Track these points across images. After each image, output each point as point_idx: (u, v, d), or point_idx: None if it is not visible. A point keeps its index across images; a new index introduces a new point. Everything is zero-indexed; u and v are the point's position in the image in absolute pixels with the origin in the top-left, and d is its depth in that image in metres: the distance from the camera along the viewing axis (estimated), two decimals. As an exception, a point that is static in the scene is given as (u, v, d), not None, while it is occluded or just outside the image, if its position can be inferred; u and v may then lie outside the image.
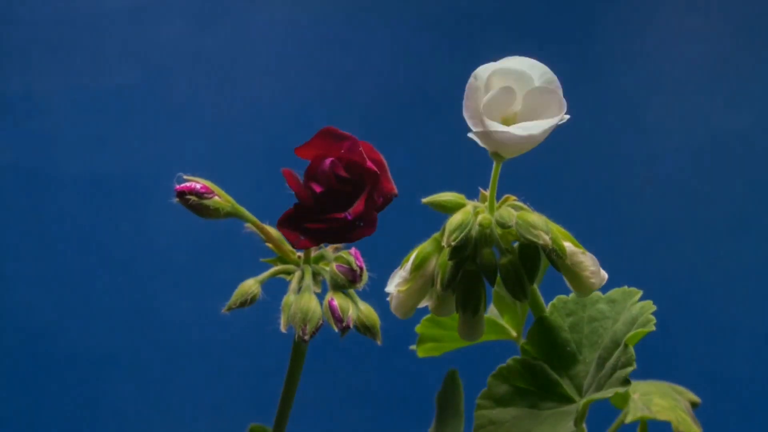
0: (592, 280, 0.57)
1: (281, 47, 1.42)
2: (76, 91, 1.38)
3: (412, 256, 0.59)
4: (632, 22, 1.44)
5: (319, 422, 1.31)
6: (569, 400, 0.57)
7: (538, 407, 0.57)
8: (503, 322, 0.67)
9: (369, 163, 0.59)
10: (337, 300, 0.58)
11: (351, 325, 0.58)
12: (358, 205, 0.58)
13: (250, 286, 0.59)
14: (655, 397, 0.63)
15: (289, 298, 0.59)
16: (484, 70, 0.56)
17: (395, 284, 0.59)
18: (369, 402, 1.36)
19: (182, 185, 0.60)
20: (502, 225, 0.55)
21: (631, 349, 0.55)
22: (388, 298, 0.60)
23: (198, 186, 0.61)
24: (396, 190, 0.58)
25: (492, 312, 0.68)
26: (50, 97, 1.37)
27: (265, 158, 1.32)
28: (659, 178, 1.39)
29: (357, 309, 0.59)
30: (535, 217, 0.55)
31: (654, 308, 0.57)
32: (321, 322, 0.58)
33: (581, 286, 0.58)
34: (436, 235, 0.59)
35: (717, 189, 1.39)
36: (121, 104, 1.38)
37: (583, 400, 0.55)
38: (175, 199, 0.61)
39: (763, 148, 1.40)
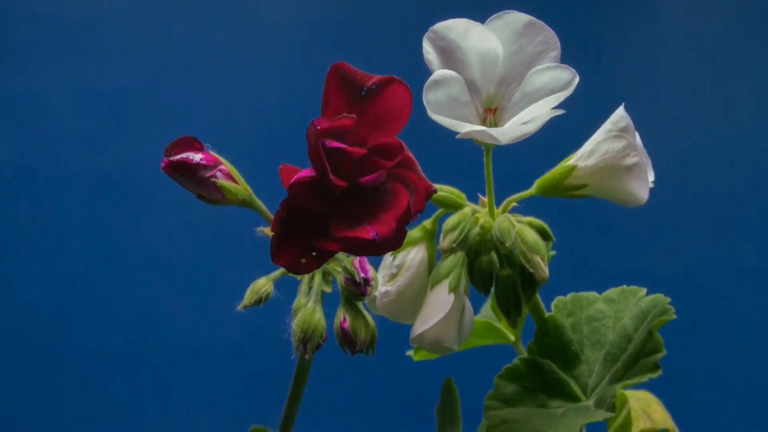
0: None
1: (281, 47, 1.42)
2: (76, 91, 1.38)
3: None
4: (632, 22, 1.44)
5: (319, 423, 1.31)
6: (576, 399, 0.57)
7: (547, 406, 0.57)
8: (501, 325, 0.67)
9: (403, 148, 0.49)
10: (349, 320, 0.55)
11: (364, 349, 0.55)
12: (388, 221, 0.48)
13: (263, 284, 0.56)
14: (653, 404, 0.63)
15: (300, 301, 0.56)
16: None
17: (381, 283, 0.57)
18: (369, 402, 1.36)
19: (173, 157, 0.54)
20: (500, 241, 0.53)
21: (659, 336, 0.55)
22: (377, 302, 0.57)
23: (198, 157, 0.55)
24: (433, 186, 0.51)
25: (489, 315, 0.68)
26: (50, 97, 1.37)
27: (266, 158, 1.32)
28: (657, 178, 1.39)
29: (367, 326, 0.55)
30: (535, 237, 0.53)
31: (668, 299, 0.57)
32: (322, 340, 0.55)
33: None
34: (426, 222, 0.58)
35: (716, 188, 1.39)
36: (121, 104, 1.38)
37: (619, 385, 0.55)
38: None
39: (762, 147, 1.40)
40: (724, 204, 1.38)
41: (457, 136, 0.52)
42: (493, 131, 0.51)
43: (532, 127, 0.50)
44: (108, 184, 1.37)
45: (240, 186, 0.56)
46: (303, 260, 0.48)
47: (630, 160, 0.55)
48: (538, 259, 0.53)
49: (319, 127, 0.48)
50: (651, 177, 0.56)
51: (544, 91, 0.52)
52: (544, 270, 0.53)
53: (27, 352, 1.35)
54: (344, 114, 0.49)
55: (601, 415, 0.54)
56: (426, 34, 0.53)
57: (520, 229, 0.54)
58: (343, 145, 0.48)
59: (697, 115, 1.41)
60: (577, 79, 0.52)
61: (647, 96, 1.41)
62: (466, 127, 0.51)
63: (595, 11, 1.44)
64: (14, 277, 1.36)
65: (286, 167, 0.50)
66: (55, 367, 1.35)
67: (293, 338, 0.55)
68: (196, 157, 0.55)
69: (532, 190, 0.57)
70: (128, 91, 1.38)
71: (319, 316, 0.55)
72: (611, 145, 0.55)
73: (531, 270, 0.52)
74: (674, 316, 0.56)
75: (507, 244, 0.53)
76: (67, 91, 1.38)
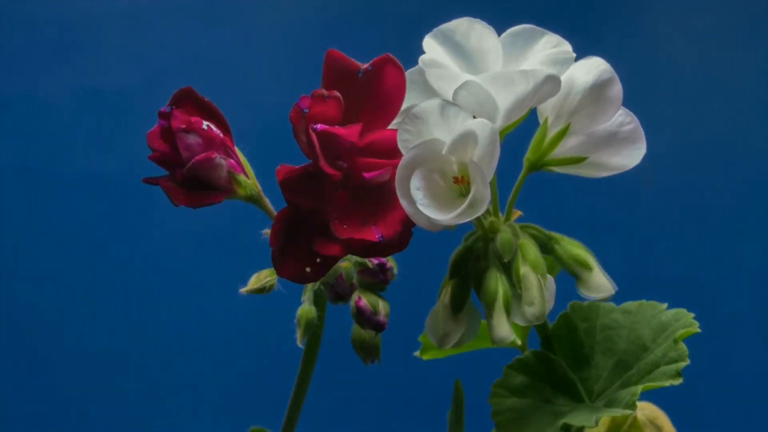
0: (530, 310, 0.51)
1: (281, 47, 1.41)
2: (76, 91, 1.38)
3: None
4: (632, 22, 1.44)
5: (321, 424, 1.31)
6: (581, 401, 0.57)
7: (551, 402, 0.57)
8: None
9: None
10: (365, 298, 0.54)
11: (385, 321, 0.53)
12: (393, 223, 0.46)
13: (268, 274, 0.55)
14: (660, 416, 0.63)
15: (304, 308, 0.55)
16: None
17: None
18: (372, 404, 1.36)
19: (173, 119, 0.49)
20: (498, 257, 0.52)
21: (683, 346, 0.56)
22: None
23: (204, 124, 0.50)
24: None
25: None
26: (50, 97, 1.37)
27: (266, 158, 1.31)
28: (658, 179, 1.39)
29: (386, 304, 0.54)
30: (536, 254, 0.52)
31: (692, 314, 0.58)
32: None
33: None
34: None
35: (716, 189, 1.39)
36: (121, 104, 1.38)
37: (640, 386, 0.55)
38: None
39: (761, 148, 1.40)
40: (725, 204, 1.38)
41: (455, 98, 0.50)
42: (481, 79, 0.49)
43: (518, 75, 0.49)
44: (108, 184, 1.37)
45: (251, 181, 0.54)
46: (308, 269, 0.47)
47: (604, 76, 0.54)
48: (534, 292, 0.51)
49: (306, 110, 0.46)
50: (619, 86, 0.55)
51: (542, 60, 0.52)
52: (540, 306, 0.51)
53: (27, 352, 1.35)
54: (323, 91, 0.47)
55: (619, 411, 0.54)
56: (430, 35, 0.53)
57: (523, 244, 0.53)
58: (335, 129, 0.47)
59: (698, 114, 1.41)
60: (574, 55, 0.51)
61: (647, 96, 1.41)
62: (461, 77, 0.49)
63: (594, 10, 1.44)
64: (15, 277, 1.35)
65: (284, 168, 0.48)
66: (56, 367, 1.35)
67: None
68: (203, 123, 0.51)
69: (524, 171, 0.56)
70: (128, 91, 1.38)
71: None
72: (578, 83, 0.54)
73: (525, 303, 0.51)
74: (698, 330, 0.56)
75: (505, 260, 0.52)
76: (67, 91, 1.37)
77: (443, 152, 0.48)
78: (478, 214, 0.48)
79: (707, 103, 1.41)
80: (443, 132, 0.48)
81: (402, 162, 0.47)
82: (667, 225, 1.38)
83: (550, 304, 0.52)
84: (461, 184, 0.49)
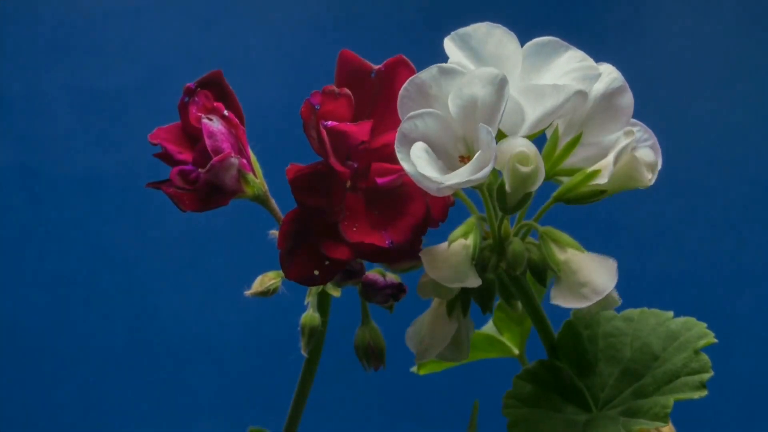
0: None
1: (281, 47, 1.41)
2: (76, 91, 1.37)
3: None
4: (631, 20, 1.44)
5: (323, 426, 1.31)
6: (589, 409, 0.57)
7: (562, 411, 0.57)
8: (504, 339, 0.66)
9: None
10: (370, 274, 0.52)
11: (399, 282, 0.52)
12: (404, 229, 0.46)
13: (272, 277, 0.54)
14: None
15: (307, 316, 0.54)
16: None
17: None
18: (373, 407, 1.36)
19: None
20: (512, 266, 0.51)
21: (706, 357, 0.55)
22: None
23: (225, 111, 0.49)
24: (452, 197, 0.48)
25: (491, 328, 0.67)
26: (50, 97, 1.37)
27: (265, 159, 1.31)
28: (659, 179, 1.39)
29: (393, 273, 0.52)
30: (566, 236, 0.51)
31: (704, 324, 0.57)
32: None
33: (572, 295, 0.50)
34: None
35: (716, 189, 1.39)
36: (121, 104, 1.38)
37: (671, 398, 0.54)
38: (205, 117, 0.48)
39: (761, 148, 1.39)
40: (725, 205, 1.38)
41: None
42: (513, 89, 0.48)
43: (549, 89, 0.48)
44: (108, 184, 1.37)
45: (258, 180, 0.53)
46: (316, 272, 0.46)
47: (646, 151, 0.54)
48: (585, 272, 0.50)
49: (317, 106, 0.46)
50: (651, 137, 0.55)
51: (568, 72, 0.51)
52: (601, 281, 0.50)
53: (27, 352, 1.35)
54: (334, 88, 0.47)
55: (651, 424, 0.53)
56: (448, 38, 0.51)
57: (548, 231, 0.52)
58: (345, 126, 0.46)
59: (698, 114, 1.41)
60: (600, 72, 0.51)
61: (647, 95, 1.41)
62: (483, 69, 0.48)
63: (594, 10, 1.44)
64: (14, 277, 1.35)
65: (294, 167, 0.48)
66: (55, 367, 1.35)
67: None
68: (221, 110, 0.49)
69: (550, 201, 0.54)
70: (128, 91, 1.38)
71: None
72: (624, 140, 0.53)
73: (582, 286, 0.50)
74: (715, 340, 0.55)
75: (518, 272, 0.51)
76: (67, 90, 1.37)
77: (448, 131, 0.47)
78: (486, 171, 0.45)
79: (707, 103, 1.41)
80: (443, 105, 0.47)
81: (402, 128, 0.46)
82: (668, 225, 1.38)
83: (609, 278, 0.50)
84: (466, 163, 0.47)
